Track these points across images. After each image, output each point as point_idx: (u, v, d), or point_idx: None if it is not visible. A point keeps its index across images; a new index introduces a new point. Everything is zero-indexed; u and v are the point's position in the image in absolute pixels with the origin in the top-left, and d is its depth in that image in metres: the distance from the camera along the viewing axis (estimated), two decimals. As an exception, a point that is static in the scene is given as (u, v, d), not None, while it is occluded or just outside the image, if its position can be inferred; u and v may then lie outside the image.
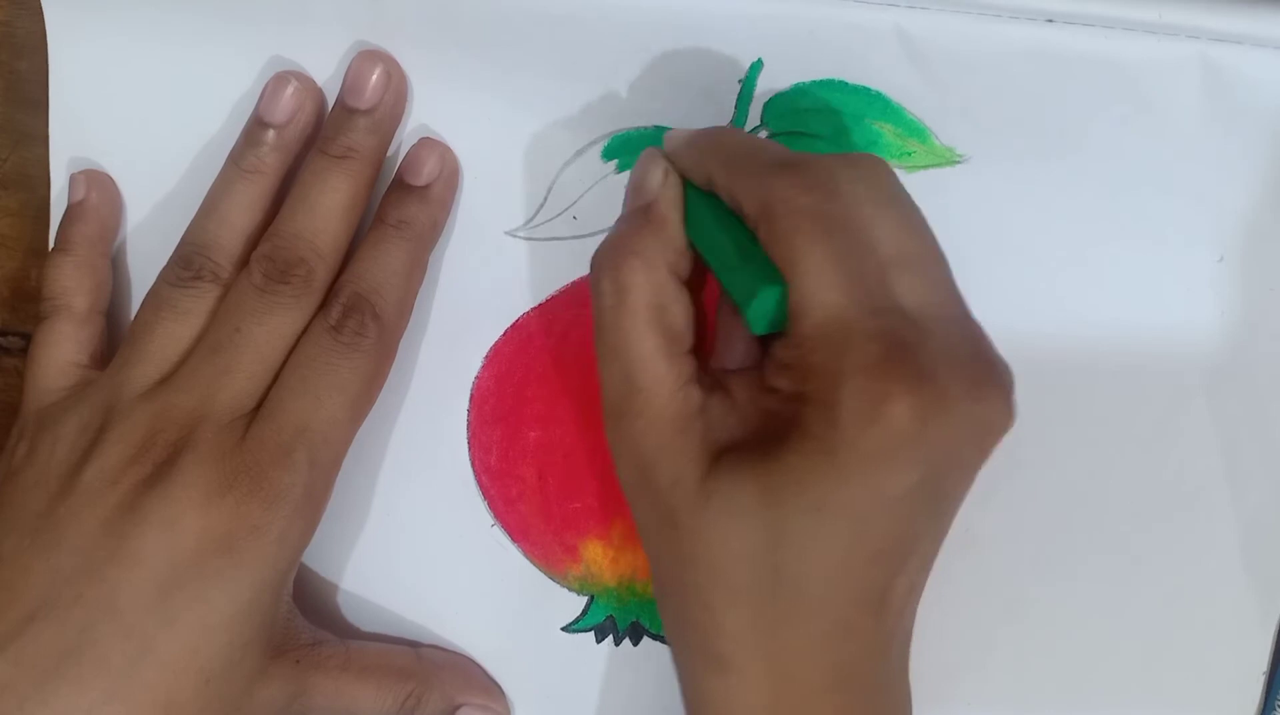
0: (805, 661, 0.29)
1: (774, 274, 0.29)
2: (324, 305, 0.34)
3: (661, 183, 0.31)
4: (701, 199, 0.31)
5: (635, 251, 0.30)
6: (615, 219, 0.32)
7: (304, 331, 0.33)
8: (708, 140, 0.32)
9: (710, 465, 0.29)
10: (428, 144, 0.35)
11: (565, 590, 0.37)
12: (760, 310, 0.29)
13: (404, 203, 0.35)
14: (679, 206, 0.31)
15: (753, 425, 0.29)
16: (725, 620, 0.29)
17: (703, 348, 0.32)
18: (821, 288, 0.28)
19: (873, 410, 0.27)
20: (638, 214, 0.31)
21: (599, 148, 0.36)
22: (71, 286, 0.35)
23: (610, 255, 0.31)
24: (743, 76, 0.35)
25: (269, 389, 0.33)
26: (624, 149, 0.36)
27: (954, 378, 0.27)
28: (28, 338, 0.35)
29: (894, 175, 0.30)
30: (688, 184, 0.31)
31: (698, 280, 0.32)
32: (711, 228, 0.30)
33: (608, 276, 0.30)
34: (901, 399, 0.27)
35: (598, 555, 0.37)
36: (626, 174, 0.35)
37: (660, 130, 0.35)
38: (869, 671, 0.29)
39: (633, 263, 0.30)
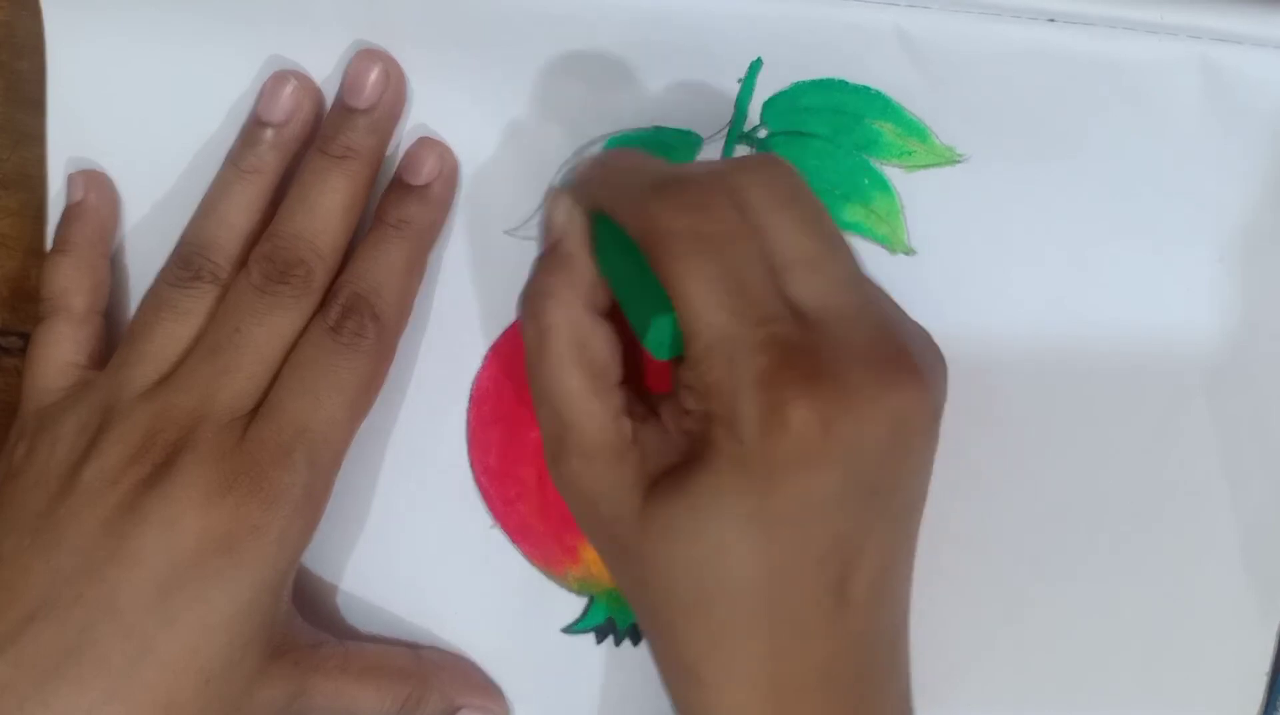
0: (775, 666, 0.29)
1: (666, 301, 0.29)
2: (323, 305, 0.33)
3: (566, 219, 0.31)
4: (607, 227, 0.31)
5: (548, 292, 0.30)
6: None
7: (303, 331, 0.33)
8: (596, 167, 0.32)
9: (646, 492, 0.29)
10: (427, 143, 0.35)
11: (565, 591, 0.37)
12: (657, 339, 0.29)
13: (403, 202, 0.35)
14: (585, 241, 0.31)
15: (680, 448, 0.30)
16: (686, 635, 0.29)
17: (636, 375, 0.32)
18: (706, 308, 0.28)
19: (772, 418, 0.27)
20: (549, 254, 0.32)
21: (599, 148, 0.36)
22: (70, 287, 0.35)
23: (528, 299, 0.31)
24: (743, 76, 0.35)
25: (268, 389, 0.33)
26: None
27: (857, 373, 0.27)
28: (27, 338, 0.35)
29: (794, 174, 0.30)
30: (598, 214, 0.31)
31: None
32: (612, 257, 0.31)
33: (528, 320, 0.31)
34: (798, 403, 0.27)
35: (597, 556, 0.37)
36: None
37: (660, 131, 0.35)
38: (847, 670, 0.29)
39: (547, 303, 0.30)
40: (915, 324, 0.30)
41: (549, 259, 0.31)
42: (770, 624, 0.29)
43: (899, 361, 0.28)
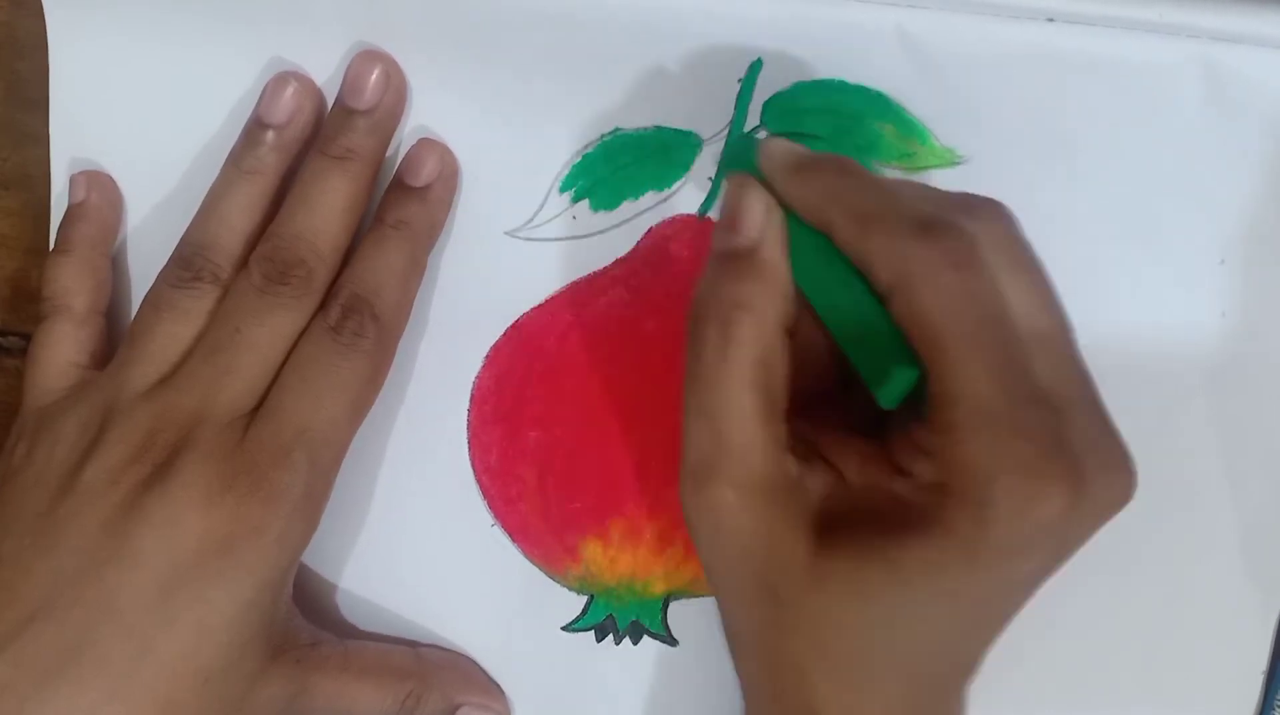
0: (894, 712, 0.29)
1: (906, 351, 0.27)
2: (323, 306, 0.33)
3: (764, 222, 0.29)
4: (806, 237, 0.29)
5: (744, 303, 0.28)
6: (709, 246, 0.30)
7: (303, 332, 0.33)
8: (828, 181, 0.29)
9: (817, 542, 0.28)
10: (427, 144, 0.35)
11: (565, 590, 0.37)
12: (894, 390, 0.28)
13: (403, 203, 0.35)
14: (787, 252, 0.29)
15: (870, 505, 0.28)
16: (821, 685, 0.28)
17: (792, 410, 0.30)
18: (971, 376, 0.26)
19: (1024, 509, 0.26)
20: (742, 258, 0.29)
21: (599, 147, 0.36)
22: (72, 287, 0.35)
23: (717, 305, 0.29)
24: (743, 76, 0.35)
25: (269, 389, 0.33)
26: (624, 149, 0.35)
27: (1092, 462, 0.26)
28: (27, 338, 0.35)
29: (1018, 230, 0.28)
30: (788, 216, 0.29)
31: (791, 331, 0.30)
32: (826, 280, 0.28)
33: (714, 327, 0.28)
34: (1056, 499, 0.26)
35: (597, 555, 0.37)
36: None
37: (660, 131, 0.35)
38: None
39: (741, 316, 0.28)
40: None
41: (745, 265, 0.29)
42: (911, 686, 0.28)
43: (1121, 453, 0.27)
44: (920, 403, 0.28)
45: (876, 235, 0.27)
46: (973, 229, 0.27)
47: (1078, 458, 0.26)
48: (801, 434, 0.30)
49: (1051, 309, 0.28)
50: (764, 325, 0.28)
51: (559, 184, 0.36)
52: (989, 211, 0.28)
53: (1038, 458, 0.26)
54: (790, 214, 0.29)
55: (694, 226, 0.36)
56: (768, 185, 0.30)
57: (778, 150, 0.30)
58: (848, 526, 0.28)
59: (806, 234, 0.29)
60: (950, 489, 0.26)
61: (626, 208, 0.36)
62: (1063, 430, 0.26)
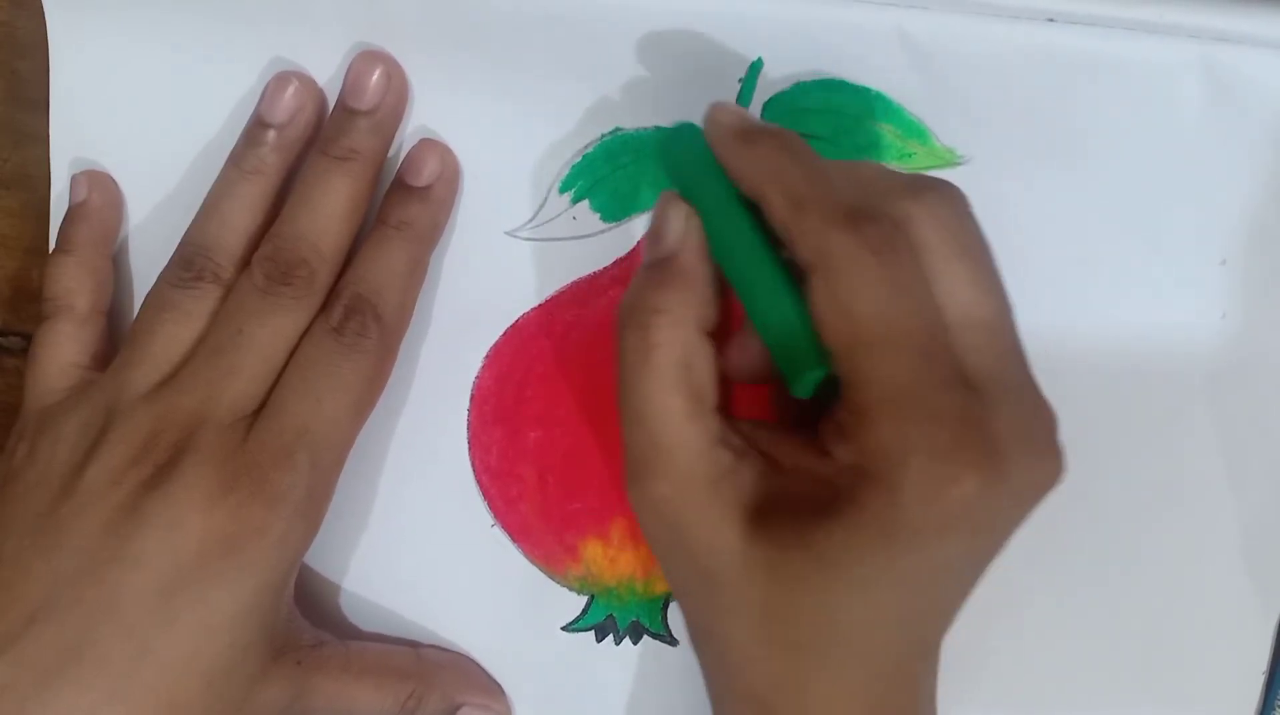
0: (844, 703, 0.29)
1: (817, 342, 0.28)
2: (325, 306, 0.33)
3: (683, 231, 0.30)
4: (738, 223, 0.29)
5: (660, 308, 0.29)
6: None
7: (306, 332, 0.33)
8: (768, 155, 0.29)
9: (748, 528, 0.28)
10: (428, 145, 0.35)
11: (565, 590, 0.37)
12: (807, 381, 0.28)
13: (405, 204, 0.35)
14: (704, 255, 0.30)
15: (796, 489, 0.29)
16: (764, 668, 0.29)
17: (726, 397, 0.31)
18: (882, 360, 0.27)
19: (936, 491, 0.26)
20: (661, 267, 0.30)
21: (599, 147, 0.36)
22: (73, 287, 0.35)
23: (635, 313, 0.30)
24: (743, 76, 0.35)
25: (271, 390, 0.33)
26: (624, 150, 0.35)
27: (1015, 446, 0.27)
28: (28, 338, 0.35)
29: (966, 211, 0.29)
30: (723, 195, 0.30)
31: (720, 330, 0.31)
32: (751, 271, 0.29)
33: (634, 334, 0.29)
34: (969, 480, 0.26)
35: (598, 555, 0.37)
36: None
37: (660, 131, 0.35)
38: (906, 706, 0.30)
39: (659, 321, 0.29)
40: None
41: (663, 273, 0.30)
42: (859, 669, 0.29)
43: (1049, 435, 0.28)
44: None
45: (804, 217, 0.28)
46: (908, 214, 0.27)
47: (997, 442, 0.26)
48: (739, 427, 0.31)
49: (989, 294, 0.28)
50: (681, 327, 0.29)
51: (559, 184, 0.36)
52: (935, 194, 0.28)
53: (951, 441, 0.26)
54: (726, 195, 0.30)
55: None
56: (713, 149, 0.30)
57: (724, 117, 0.30)
58: (779, 513, 0.29)
59: (737, 220, 0.29)
60: (865, 471, 0.27)
61: (626, 208, 0.36)
62: (984, 414, 0.27)
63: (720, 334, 0.31)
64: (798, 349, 0.28)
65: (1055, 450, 0.28)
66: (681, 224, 0.30)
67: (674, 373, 0.29)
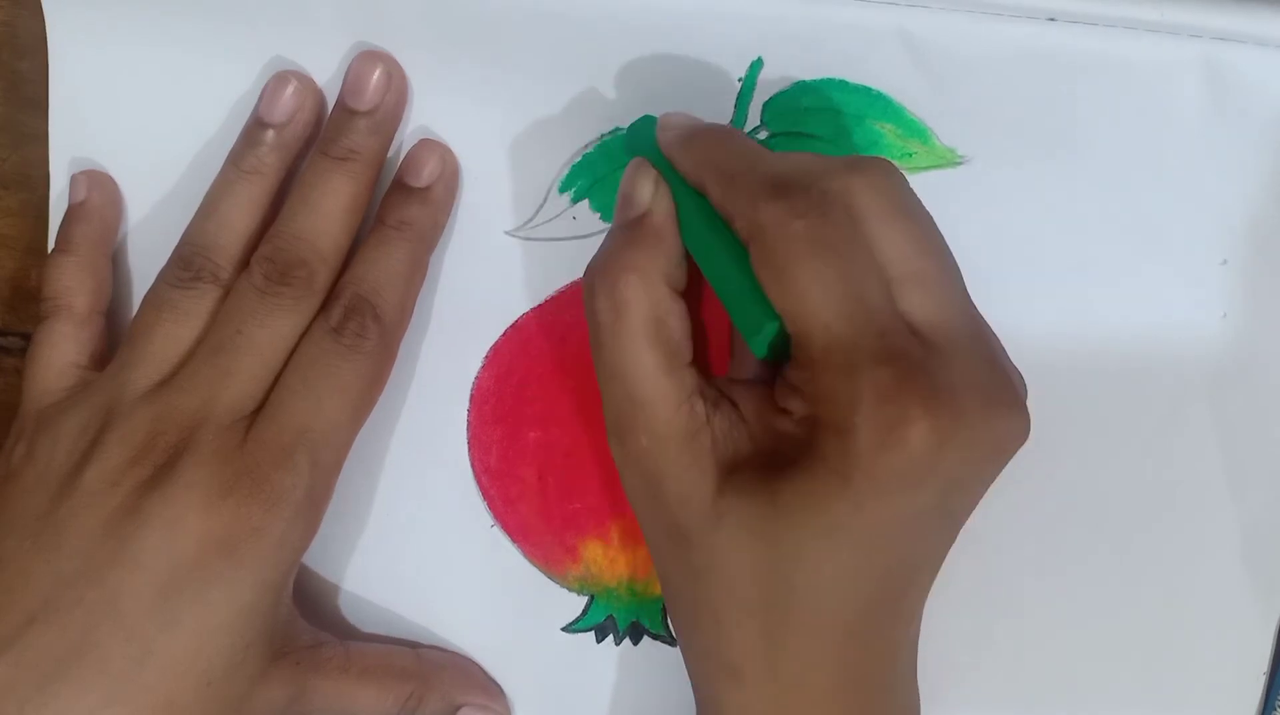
0: (816, 670, 0.29)
1: (769, 304, 0.28)
2: (325, 307, 0.33)
3: (653, 194, 0.31)
4: (695, 203, 0.31)
5: (630, 267, 0.30)
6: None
7: (305, 333, 0.33)
8: (703, 147, 0.31)
9: (720, 481, 0.29)
10: (428, 145, 0.35)
11: (565, 590, 0.37)
12: (764, 339, 0.29)
13: (404, 204, 0.35)
14: (672, 218, 0.31)
15: (763, 443, 0.29)
16: (736, 632, 0.29)
17: (703, 358, 0.32)
18: (822, 313, 0.27)
19: (889, 435, 0.26)
20: (631, 227, 0.31)
21: (598, 148, 0.36)
22: (72, 287, 0.35)
23: (605, 272, 0.31)
24: (743, 76, 0.35)
25: (270, 391, 0.33)
26: (624, 149, 0.35)
27: (970, 396, 0.27)
28: (27, 338, 0.35)
29: (903, 182, 0.29)
30: (679, 183, 0.31)
31: (694, 290, 0.32)
32: (708, 242, 0.30)
33: (603, 293, 0.30)
34: (919, 422, 0.26)
35: (597, 555, 0.37)
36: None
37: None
38: (878, 675, 0.30)
39: (628, 278, 0.30)
40: (1002, 345, 0.30)
41: (633, 233, 0.31)
42: (829, 630, 0.29)
43: (1006, 389, 0.28)
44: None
45: (736, 194, 0.29)
46: (847, 186, 0.28)
47: (948, 390, 0.27)
48: (717, 383, 0.31)
49: (930, 252, 0.29)
50: (650, 284, 0.30)
51: (559, 184, 0.36)
52: (872, 166, 0.29)
53: (896, 383, 0.27)
54: (681, 184, 0.31)
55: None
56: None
57: (671, 123, 0.32)
58: (747, 467, 0.29)
59: (693, 201, 0.31)
60: (819, 420, 0.28)
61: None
62: (931, 361, 0.27)
63: (694, 299, 0.32)
64: (749, 311, 0.29)
65: (1014, 404, 0.28)
66: (650, 188, 0.31)
67: (646, 329, 0.30)
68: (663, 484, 0.30)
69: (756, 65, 0.35)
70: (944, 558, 0.30)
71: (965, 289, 0.29)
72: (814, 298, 0.27)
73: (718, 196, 0.30)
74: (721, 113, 0.35)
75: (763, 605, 0.29)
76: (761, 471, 0.29)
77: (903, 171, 0.30)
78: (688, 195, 0.31)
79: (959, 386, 0.27)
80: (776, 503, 0.28)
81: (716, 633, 0.30)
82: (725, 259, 0.30)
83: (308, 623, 0.35)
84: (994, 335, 0.30)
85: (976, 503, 0.30)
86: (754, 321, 0.29)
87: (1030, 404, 0.29)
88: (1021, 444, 0.29)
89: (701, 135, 0.31)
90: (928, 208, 0.29)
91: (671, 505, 0.30)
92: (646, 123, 0.33)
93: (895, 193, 0.29)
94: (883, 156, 0.30)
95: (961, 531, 0.35)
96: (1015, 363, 0.30)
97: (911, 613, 0.30)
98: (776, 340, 0.29)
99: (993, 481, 0.29)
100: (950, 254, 0.29)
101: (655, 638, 0.37)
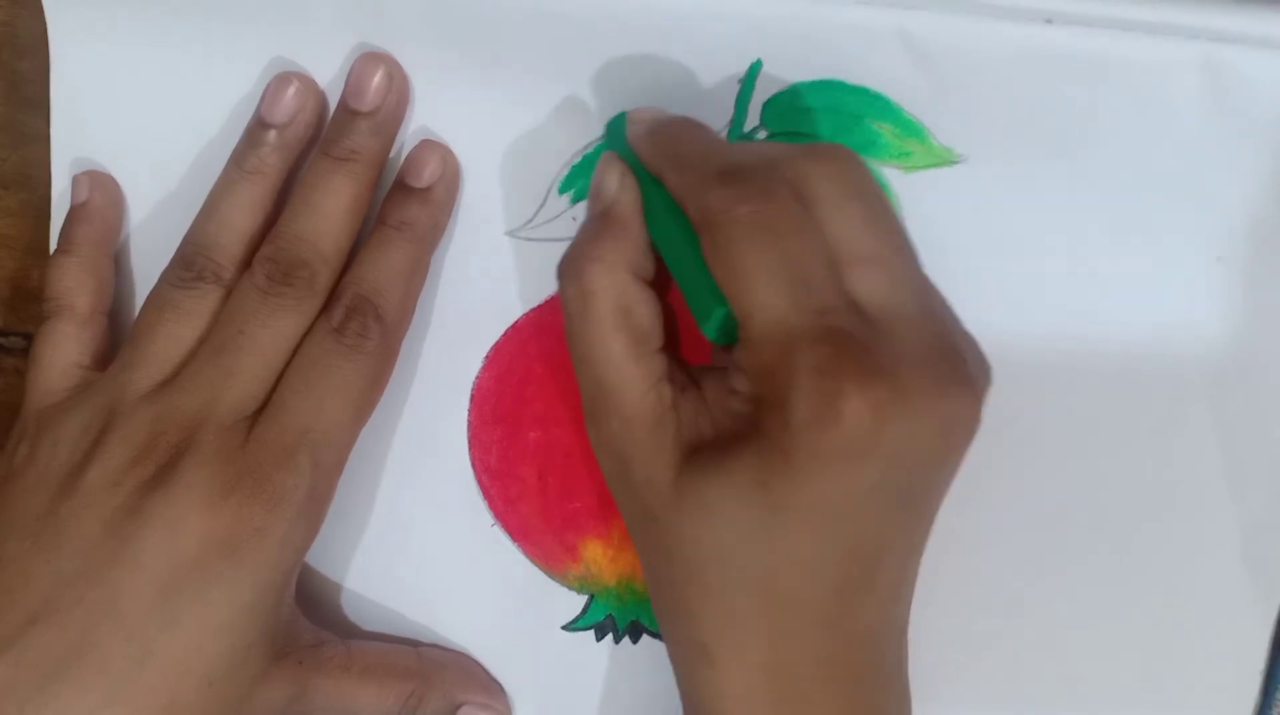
0: (789, 654, 0.29)
1: (719, 291, 0.29)
2: (326, 307, 0.34)
3: (619, 186, 0.32)
4: (658, 194, 0.31)
5: (596, 257, 0.31)
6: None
7: (307, 333, 0.33)
8: (663, 139, 0.32)
9: (682, 463, 0.30)
10: (429, 146, 0.35)
11: (565, 589, 0.37)
12: (713, 324, 0.30)
13: (406, 204, 0.35)
14: (638, 208, 0.32)
15: (721, 425, 0.30)
16: (703, 613, 0.30)
17: (681, 344, 0.32)
18: (760, 294, 0.28)
19: (825, 410, 0.27)
20: (598, 219, 0.32)
21: (599, 148, 0.36)
22: (74, 287, 0.35)
23: (572, 262, 0.31)
24: (743, 76, 0.35)
25: (272, 391, 0.33)
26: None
27: (914, 374, 0.27)
28: (28, 338, 0.35)
29: (860, 167, 0.30)
30: (646, 176, 0.32)
31: (664, 278, 0.32)
32: (668, 231, 0.31)
33: (571, 283, 0.31)
34: (854, 397, 0.27)
35: (597, 555, 0.37)
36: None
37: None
38: (858, 663, 0.30)
39: (594, 268, 0.31)
40: (967, 332, 0.30)
41: (599, 224, 0.32)
42: (788, 613, 0.29)
43: (954, 368, 0.28)
44: None
45: (687, 180, 0.30)
46: (803, 173, 0.29)
47: (890, 366, 0.27)
48: (688, 369, 0.32)
49: (882, 234, 0.29)
50: (615, 273, 0.31)
51: (559, 184, 0.36)
52: (829, 152, 0.30)
53: (833, 357, 0.27)
54: (648, 176, 0.32)
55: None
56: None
57: (637, 117, 0.33)
58: (709, 449, 0.29)
59: (657, 192, 0.31)
60: (761, 398, 0.28)
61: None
62: (872, 337, 0.27)
63: (666, 287, 0.32)
64: (699, 296, 0.30)
65: (962, 382, 0.28)
66: (617, 181, 0.32)
67: (614, 317, 0.31)
68: (631, 466, 0.30)
69: (756, 66, 0.35)
70: (918, 543, 0.30)
71: (920, 271, 0.30)
72: (755, 279, 0.28)
73: (673, 184, 0.31)
74: (721, 113, 0.35)
75: (725, 585, 0.29)
76: (716, 453, 0.29)
77: (861, 158, 0.30)
78: (653, 187, 0.32)
79: (905, 365, 0.27)
80: (725, 481, 0.28)
81: (686, 613, 0.30)
82: (680, 246, 0.30)
83: (309, 622, 0.35)
84: (954, 318, 0.30)
85: (938, 484, 0.30)
86: (704, 306, 0.30)
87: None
88: (973, 427, 0.29)
89: (663, 127, 0.32)
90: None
91: (640, 487, 0.30)
92: (621, 119, 0.33)
93: (849, 177, 0.29)
94: (841, 144, 0.31)
95: (961, 531, 0.35)
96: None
97: (888, 598, 0.30)
98: (727, 324, 0.29)
99: (952, 463, 0.29)
100: (906, 237, 0.30)
101: (655, 636, 0.37)
